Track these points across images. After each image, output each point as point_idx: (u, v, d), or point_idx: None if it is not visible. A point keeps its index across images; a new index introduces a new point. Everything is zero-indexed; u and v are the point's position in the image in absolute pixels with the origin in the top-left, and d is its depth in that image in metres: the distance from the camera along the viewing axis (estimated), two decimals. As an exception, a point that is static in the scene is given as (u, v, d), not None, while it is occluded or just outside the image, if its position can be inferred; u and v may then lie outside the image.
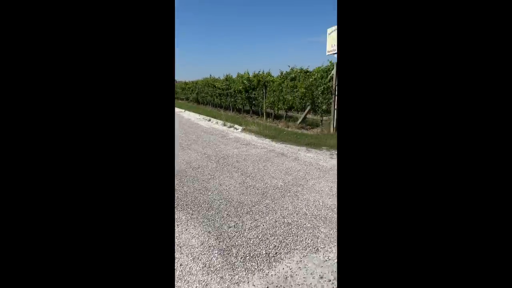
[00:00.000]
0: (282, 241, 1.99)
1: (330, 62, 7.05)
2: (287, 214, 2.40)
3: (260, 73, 9.99)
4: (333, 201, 2.64)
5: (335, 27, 6.43)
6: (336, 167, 3.76)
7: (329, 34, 6.64)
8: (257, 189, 2.99)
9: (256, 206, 2.56)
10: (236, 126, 7.83)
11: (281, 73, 9.02)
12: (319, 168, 3.73)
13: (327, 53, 6.73)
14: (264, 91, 9.26)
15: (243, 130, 7.23)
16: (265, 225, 2.21)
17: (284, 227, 2.19)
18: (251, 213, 2.43)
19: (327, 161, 4.12)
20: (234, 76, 11.49)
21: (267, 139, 5.93)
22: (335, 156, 4.37)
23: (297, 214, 2.41)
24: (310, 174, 3.48)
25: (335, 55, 6.50)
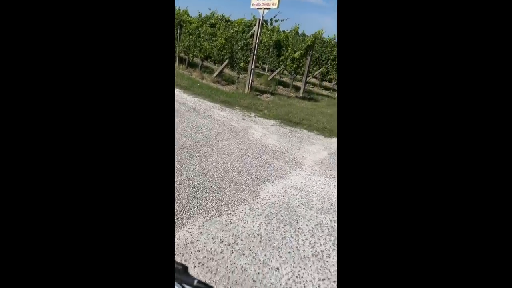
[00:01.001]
0: (185, 205, 1.92)
1: (254, 17, 6.73)
2: (194, 176, 2.31)
3: (176, 9, 8.55)
4: (240, 164, 2.72)
5: (264, -22, 6.00)
6: (247, 129, 3.85)
7: (257, -16, 6.16)
8: (162, 147, 2.71)
9: (160, 167, 2.33)
10: (141, 67, 6.67)
11: (199, 15, 8.01)
12: (231, 129, 3.72)
13: (251, 6, 6.33)
14: (179, 31, 8.09)
15: (150, 74, 6.26)
16: (168, 189, 2.06)
17: (189, 190, 2.11)
18: (153, 174, 2.20)
19: (239, 121, 4.15)
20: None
21: (178, 89, 5.39)
22: (247, 118, 4.46)
23: (204, 176, 2.35)
24: (222, 134, 3.43)
25: (259, 10, 6.20)
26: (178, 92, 5.16)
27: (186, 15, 8.16)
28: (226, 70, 7.85)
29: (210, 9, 7.52)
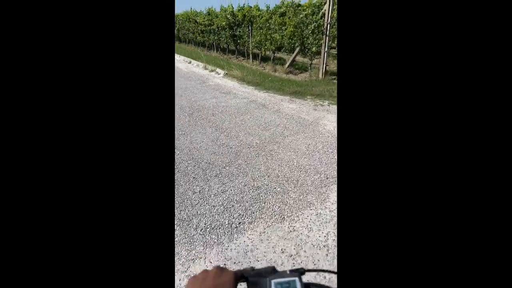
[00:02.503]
0: (248, 208, 1.89)
1: (324, -6, 6.08)
2: (258, 177, 2.26)
3: (246, 6, 8.73)
4: (307, 161, 2.50)
5: None
6: (318, 120, 3.54)
7: (325, -44, 5.52)
8: (231, 147, 2.79)
9: (227, 168, 2.39)
10: (218, 70, 7.18)
11: (267, 7, 7.89)
12: (299, 122, 3.50)
13: (321, -18, 5.74)
14: (250, 28, 8.24)
15: (226, 75, 6.65)
16: (232, 190, 2.08)
17: (252, 192, 2.07)
18: (220, 175, 2.27)
19: (309, 113, 3.86)
20: (218, 10, 10.07)
21: (250, 87, 5.50)
22: (319, 108, 4.10)
23: (268, 176, 2.27)
24: (289, 129, 3.26)
25: (330, -15, 5.55)
26: (249, 90, 5.27)
27: (256, 11, 8.21)
28: (299, 58, 7.50)
29: (278, -2, 7.26)
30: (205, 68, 7.64)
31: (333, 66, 6.89)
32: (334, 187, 2.11)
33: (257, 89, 5.29)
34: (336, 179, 2.22)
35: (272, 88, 5.27)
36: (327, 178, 2.23)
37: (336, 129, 3.26)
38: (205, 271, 0.43)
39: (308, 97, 4.66)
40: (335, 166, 2.41)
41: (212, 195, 2.02)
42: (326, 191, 2.07)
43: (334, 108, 4.09)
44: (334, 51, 7.32)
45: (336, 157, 2.58)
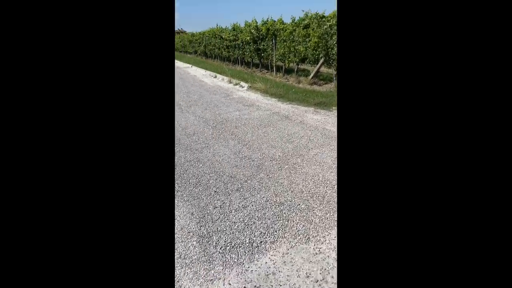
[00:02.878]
0: (270, 226, 1.78)
1: (349, 3, 5.98)
2: (281, 192, 2.16)
3: (270, 20, 8.88)
4: (334, 175, 2.35)
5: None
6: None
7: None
8: (253, 160, 2.72)
9: (249, 182, 2.33)
10: (242, 83, 7.29)
11: (292, 19, 7.94)
12: (324, 134, 3.35)
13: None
14: (273, 41, 8.34)
15: (249, 88, 6.72)
16: (254, 206, 2.00)
17: (274, 208, 1.96)
18: (241, 190, 2.21)
19: (335, 124, 3.70)
20: (242, 25, 10.37)
21: (273, 99, 5.47)
22: (346, 119, 3.92)
23: (292, 191, 2.16)
24: (314, 142, 3.13)
25: (355, -6, 5.45)
26: (272, 102, 5.24)
27: (280, 24, 8.30)
28: (323, 69, 7.37)
29: (303, 11, 7.28)
30: (230, 82, 7.80)
31: (360, 75, 6.66)
32: (364, 205, 1.94)
33: (280, 101, 5.24)
34: (366, 196, 2.04)
35: (296, 100, 5.18)
36: (356, 195, 2.06)
37: (364, 141, 3.07)
38: None
39: (333, 108, 4.50)
40: (364, 181, 2.23)
41: (233, 211, 1.95)
42: (355, 209, 1.91)
43: (362, 119, 3.88)
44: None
45: (365, 171, 2.40)
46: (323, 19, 6.56)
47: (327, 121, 3.87)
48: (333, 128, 3.54)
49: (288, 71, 8.66)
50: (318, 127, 3.61)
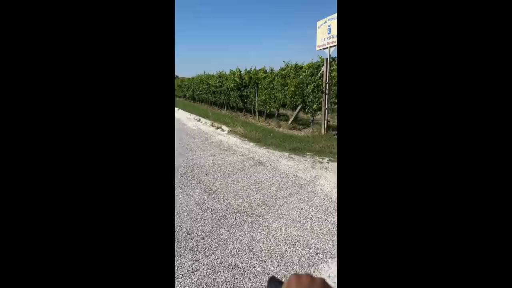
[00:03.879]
0: (218, 296, 1.58)
1: (320, 58, 6.50)
2: (239, 251, 1.98)
3: (252, 70, 9.48)
4: (297, 230, 2.21)
5: (325, 19, 5.88)
6: (315, 180, 3.31)
7: (318, 27, 6.08)
8: (216, 212, 2.57)
9: (206, 239, 2.15)
10: (223, 127, 7.41)
11: (271, 70, 8.52)
12: (295, 182, 3.28)
13: (317, 48, 6.19)
14: (256, 88, 8.77)
15: (230, 132, 6.80)
16: (205, 270, 1.80)
17: (227, 272, 1.77)
18: (195, 249, 2.02)
19: (306, 171, 3.67)
20: (228, 72, 10.99)
21: (251, 143, 5.50)
22: (317, 165, 3.91)
23: (250, 251, 1.98)
24: (282, 191, 3.04)
25: (325, 50, 5.96)
26: (250, 146, 5.25)
27: (261, 73, 8.84)
28: (302, 114, 7.66)
29: (284, 62, 7.85)
30: (212, 125, 7.92)
31: (335, 121, 6.91)
32: (323, 266, 1.78)
33: (258, 146, 5.26)
34: (326, 254, 1.90)
35: (273, 145, 5.22)
36: (316, 254, 1.91)
37: (333, 190, 3.01)
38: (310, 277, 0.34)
39: (307, 153, 4.53)
40: (327, 237, 2.10)
41: (180, 276, 1.75)
42: (314, 271, 1.74)
43: (333, 165, 3.88)
44: (336, 106, 7.43)
45: (328, 226, 2.28)
46: (301, 69, 7.04)
47: (299, 167, 3.84)
48: (304, 175, 3.49)
49: (270, 116, 8.95)
50: (289, 174, 3.55)
